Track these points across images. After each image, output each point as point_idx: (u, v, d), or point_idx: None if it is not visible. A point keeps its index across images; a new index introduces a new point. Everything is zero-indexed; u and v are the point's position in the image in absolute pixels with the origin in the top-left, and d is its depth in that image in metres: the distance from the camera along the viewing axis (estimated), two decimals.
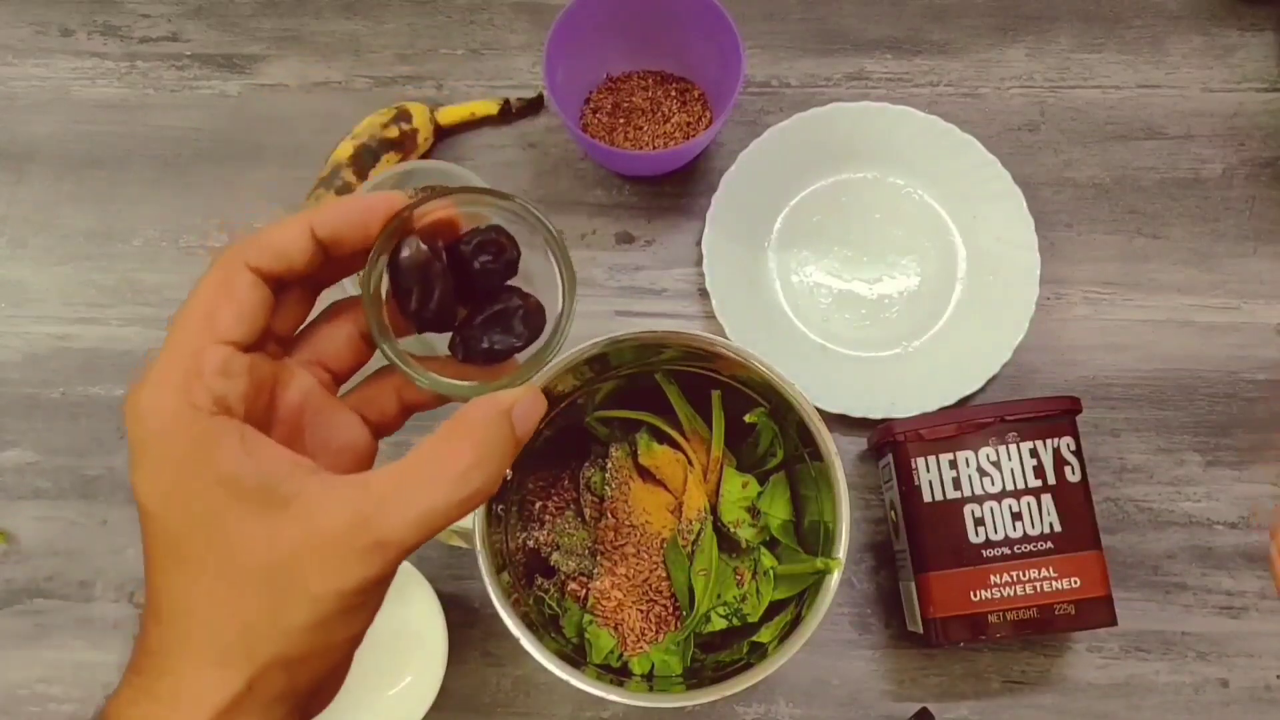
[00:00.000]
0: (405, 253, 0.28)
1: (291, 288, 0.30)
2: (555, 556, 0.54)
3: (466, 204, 0.30)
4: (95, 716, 0.26)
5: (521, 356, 0.31)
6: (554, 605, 0.54)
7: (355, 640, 0.28)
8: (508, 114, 0.69)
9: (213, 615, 0.26)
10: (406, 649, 0.58)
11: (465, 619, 0.61)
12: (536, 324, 0.30)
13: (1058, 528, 0.56)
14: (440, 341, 0.31)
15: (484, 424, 0.27)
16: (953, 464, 0.57)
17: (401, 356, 0.29)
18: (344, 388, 0.32)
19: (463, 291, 0.30)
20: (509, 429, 0.28)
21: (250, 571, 0.25)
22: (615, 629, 0.53)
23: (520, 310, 0.30)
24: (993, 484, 0.57)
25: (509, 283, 0.31)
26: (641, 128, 0.67)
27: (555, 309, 0.31)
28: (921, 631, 0.56)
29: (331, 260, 0.29)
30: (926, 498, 0.57)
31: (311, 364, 0.31)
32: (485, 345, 0.30)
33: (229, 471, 0.25)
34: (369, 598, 0.27)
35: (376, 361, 0.32)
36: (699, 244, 0.66)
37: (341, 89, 0.70)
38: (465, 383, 0.29)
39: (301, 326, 0.31)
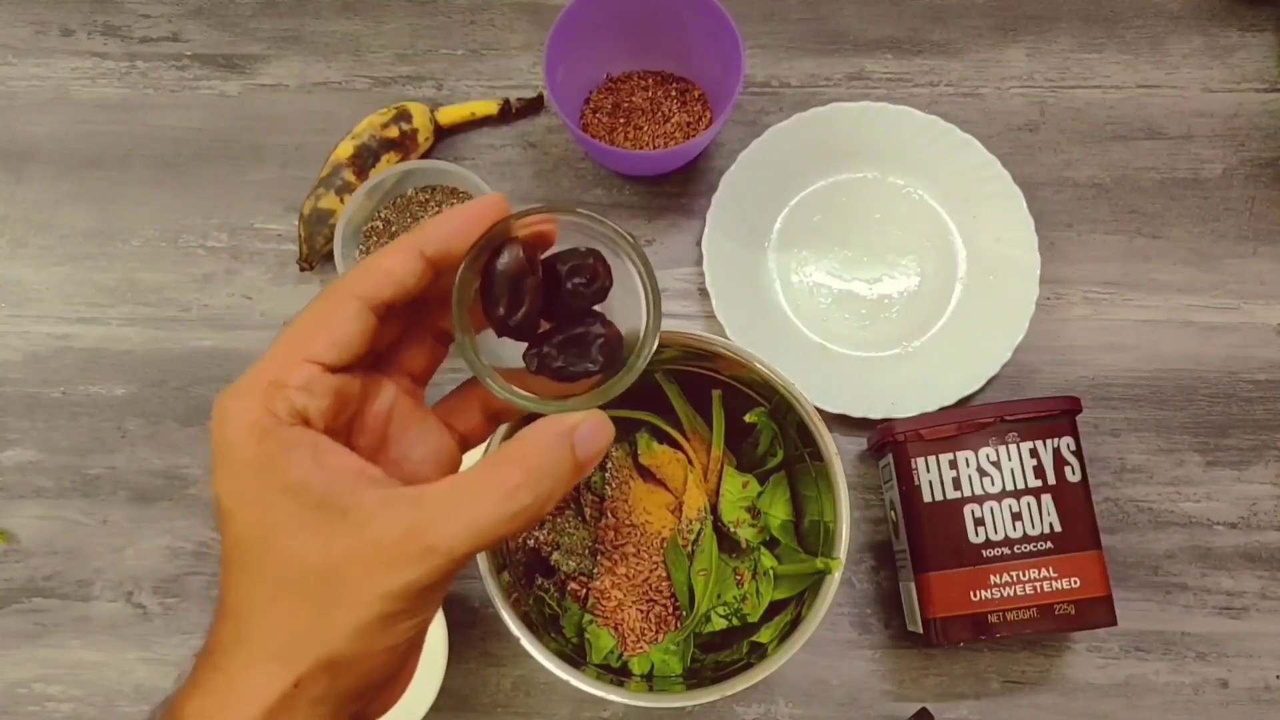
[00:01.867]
0: (504, 259, 0.29)
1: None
2: (555, 556, 0.54)
3: (566, 221, 0.31)
4: (162, 702, 0.28)
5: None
6: (554, 605, 0.54)
7: (398, 652, 0.28)
8: (508, 114, 0.69)
9: (267, 617, 0.27)
10: None
11: (465, 619, 0.61)
12: (613, 355, 0.30)
13: (1058, 528, 0.56)
14: (509, 352, 0.31)
15: (539, 445, 0.28)
16: (953, 464, 0.57)
17: (480, 362, 0.29)
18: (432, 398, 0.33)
19: (548, 307, 0.30)
20: (567, 452, 0.28)
21: (303, 577, 0.27)
22: (615, 629, 0.53)
23: (600, 339, 0.30)
24: (993, 484, 0.57)
25: (595, 309, 0.31)
26: (641, 128, 0.67)
27: (635, 336, 0.31)
28: (921, 631, 0.56)
29: (440, 276, 0.30)
30: (926, 498, 0.57)
31: (394, 372, 0.32)
32: (559, 364, 0.30)
33: (297, 480, 0.27)
34: (412, 605, 0.27)
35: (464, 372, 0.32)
36: (699, 244, 0.66)
37: (341, 89, 0.70)
38: (536, 397, 0.30)
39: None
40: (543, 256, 0.30)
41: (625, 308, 0.31)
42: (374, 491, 0.27)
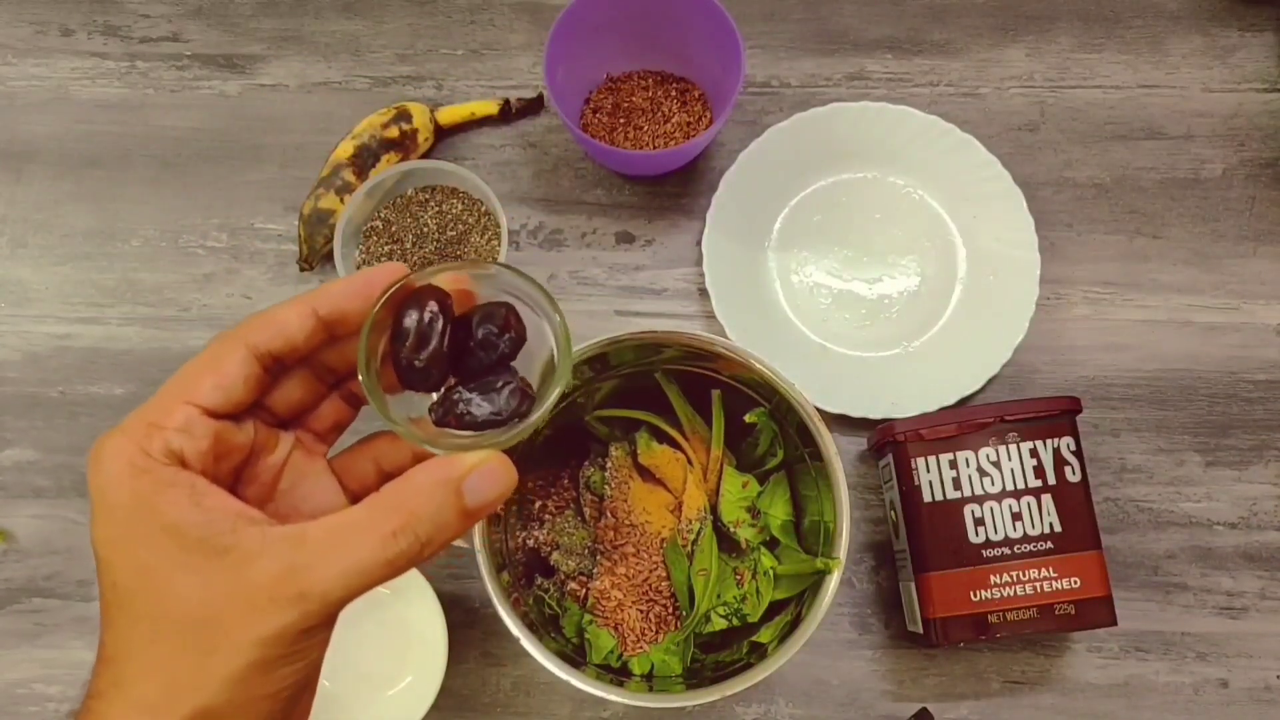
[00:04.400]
0: (413, 303, 0.28)
1: (297, 371, 0.30)
2: (555, 556, 0.54)
3: (479, 276, 0.30)
4: None
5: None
6: (554, 605, 0.54)
7: (281, 699, 0.27)
8: (508, 114, 0.69)
9: (144, 663, 0.26)
10: (406, 649, 0.58)
11: (465, 619, 0.61)
12: (521, 406, 0.29)
13: (1058, 528, 0.56)
14: (421, 409, 0.30)
15: (421, 489, 0.27)
16: (953, 464, 0.57)
17: (378, 396, 0.28)
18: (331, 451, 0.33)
19: (460, 361, 0.29)
20: (452, 499, 0.27)
21: (180, 621, 0.26)
22: (615, 629, 0.53)
23: (508, 387, 0.29)
24: (993, 484, 0.57)
25: (509, 366, 0.30)
26: (641, 128, 0.67)
27: (549, 379, 0.30)
28: (921, 631, 0.56)
29: (336, 339, 0.30)
30: (926, 498, 0.57)
31: (297, 427, 0.31)
32: (460, 410, 0.29)
33: (174, 519, 0.26)
34: (291, 650, 0.26)
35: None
36: (699, 244, 0.66)
37: (341, 89, 0.70)
38: (430, 437, 0.28)
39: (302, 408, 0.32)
40: (459, 315, 0.29)
41: (540, 363, 0.30)
42: (254, 530, 0.26)
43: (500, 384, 0.29)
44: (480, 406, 0.29)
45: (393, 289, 0.28)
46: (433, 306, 0.28)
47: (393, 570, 0.27)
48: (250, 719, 0.26)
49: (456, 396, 0.29)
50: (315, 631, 0.27)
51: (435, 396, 0.30)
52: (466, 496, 0.27)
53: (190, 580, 0.26)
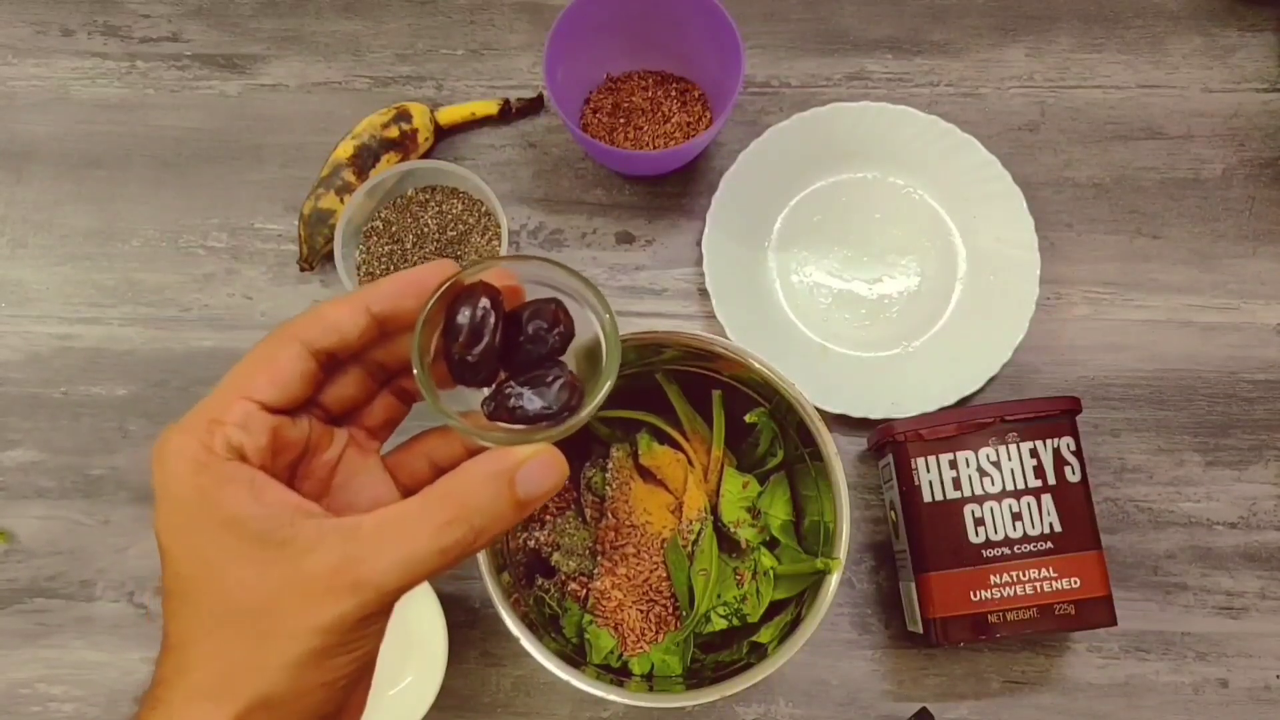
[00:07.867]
0: (464, 300, 0.29)
1: (350, 368, 0.31)
2: (555, 556, 0.54)
3: (528, 271, 0.31)
4: None
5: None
6: (554, 605, 0.54)
7: (337, 688, 0.28)
8: (508, 114, 0.69)
9: (205, 652, 0.27)
10: (406, 649, 0.58)
11: (465, 619, 0.61)
12: (572, 400, 0.30)
13: (1058, 528, 0.56)
14: (472, 404, 0.31)
15: (475, 481, 0.28)
16: (953, 464, 0.57)
17: (431, 390, 0.29)
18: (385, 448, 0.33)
19: (509, 356, 0.30)
20: (505, 490, 0.28)
21: (240, 611, 0.27)
22: (615, 629, 0.53)
23: (559, 381, 0.30)
24: (993, 484, 0.57)
25: (558, 359, 0.31)
26: (641, 128, 0.67)
27: (595, 378, 0.30)
28: (921, 631, 0.56)
29: (387, 336, 0.30)
30: (926, 498, 0.57)
31: (350, 424, 0.32)
32: (513, 404, 0.30)
33: (234, 513, 0.27)
34: (348, 638, 0.27)
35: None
36: (699, 244, 0.66)
37: (341, 89, 0.70)
38: (484, 430, 0.29)
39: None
40: (508, 310, 0.30)
41: (576, 352, 0.31)
42: (310, 523, 0.27)
43: (551, 378, 0.30)
44: (532, 401, 0.29)
45: (445, 286, 0.29)
46: (484, 303, 0.29)
47: (446, 560, 0.27)
48: (308, 707, 0.27)
49: (508, 391, 0.30)
50: (371, 621, 0.27)
51: (486, 391, 0.31)
52: (519, 488, 0.28)
53: (249, 571, 0.26)
